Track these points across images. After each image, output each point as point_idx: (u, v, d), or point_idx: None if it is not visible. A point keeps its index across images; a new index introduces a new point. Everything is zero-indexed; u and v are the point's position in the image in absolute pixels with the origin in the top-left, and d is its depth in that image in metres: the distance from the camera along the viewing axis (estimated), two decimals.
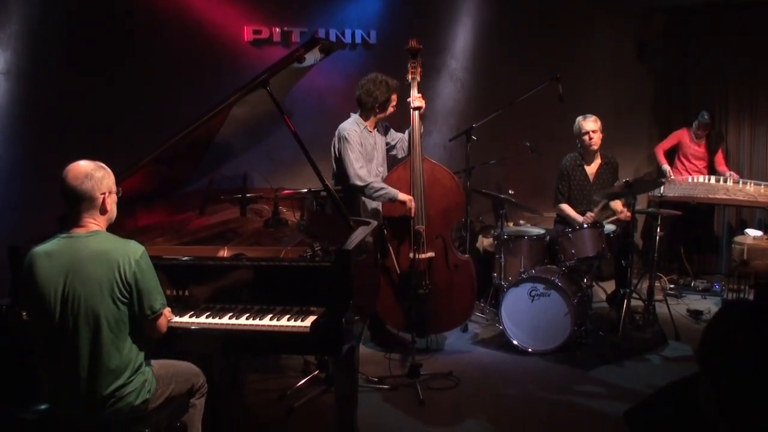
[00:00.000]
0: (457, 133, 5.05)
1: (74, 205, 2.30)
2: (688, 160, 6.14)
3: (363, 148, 4.12)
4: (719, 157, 6.09)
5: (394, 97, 4.16)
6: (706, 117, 5.97)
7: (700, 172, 6.01)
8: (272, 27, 5.37)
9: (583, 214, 4.83)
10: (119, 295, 2.25)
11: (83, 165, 2.31)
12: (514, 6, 6.05)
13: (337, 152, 4.14)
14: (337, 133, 4.16)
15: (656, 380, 3.79)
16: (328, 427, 3.28)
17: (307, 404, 3.54)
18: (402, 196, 4.03)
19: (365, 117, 4.20)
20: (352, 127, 4.13)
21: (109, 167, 2.39)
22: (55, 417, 2.33)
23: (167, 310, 2.42)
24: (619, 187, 4.41)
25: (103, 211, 2.34)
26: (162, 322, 2.37)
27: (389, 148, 4.40)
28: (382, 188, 4.04)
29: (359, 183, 4.02)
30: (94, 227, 2.32)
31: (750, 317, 1.25)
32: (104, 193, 2.33)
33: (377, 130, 4.28)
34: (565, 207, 4.93)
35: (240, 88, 2.94)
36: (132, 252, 2.28)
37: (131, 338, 2.32)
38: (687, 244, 6.20)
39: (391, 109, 4.20)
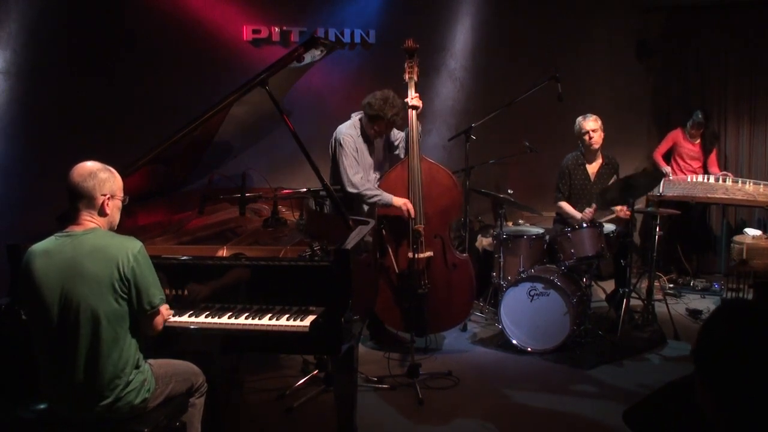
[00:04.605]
0: (457, 133, 5.04)
1: (74, 201, 2.30)
2: (683, 160, 6.13)
3: (358, 153, 4.11)
4: (712, 158, 6.08)
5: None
6: (700, 116, 5.95)
7: (695, 172, 6.00)
8: (271, 26, 5.37)
9: (582, 212, 4.84)
10: (119, 292, 2.24)
11: (90, 164, 2.32)
12: (514, 5, 6.06)
13: (333, 154, 4.14)
14: (334, 135, 4.16)
15: (655, 380, 3.78)
16: (328, 427, 3.27)
17: (306, 404, 3.55)
18: (396, 201, 4.02)
19: (363, 123, 4.17)
20: (349, 131, 4.12)
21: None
22: (55, 416, 2.33)
23: (165, 308, 2.42)
24: (617, 187, 4.41)
25: (102, 213, 2.33)
26: (159, 320, 2.37)
27: (393, 148, 4.38)
28: (376, 194, 4.03)
29: (353, 190, 4.01)
30: (92, 225, 2.31)
31: (746, 317, 1.25)
32: (105, 195, 2.32)
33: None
34: (564, 205, 4.93)
35: (239, 87, 2.94)
36: (130, 247, 2.27)
37: (130, 335, 2.32)
38: (685, 243, 6.19)
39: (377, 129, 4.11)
